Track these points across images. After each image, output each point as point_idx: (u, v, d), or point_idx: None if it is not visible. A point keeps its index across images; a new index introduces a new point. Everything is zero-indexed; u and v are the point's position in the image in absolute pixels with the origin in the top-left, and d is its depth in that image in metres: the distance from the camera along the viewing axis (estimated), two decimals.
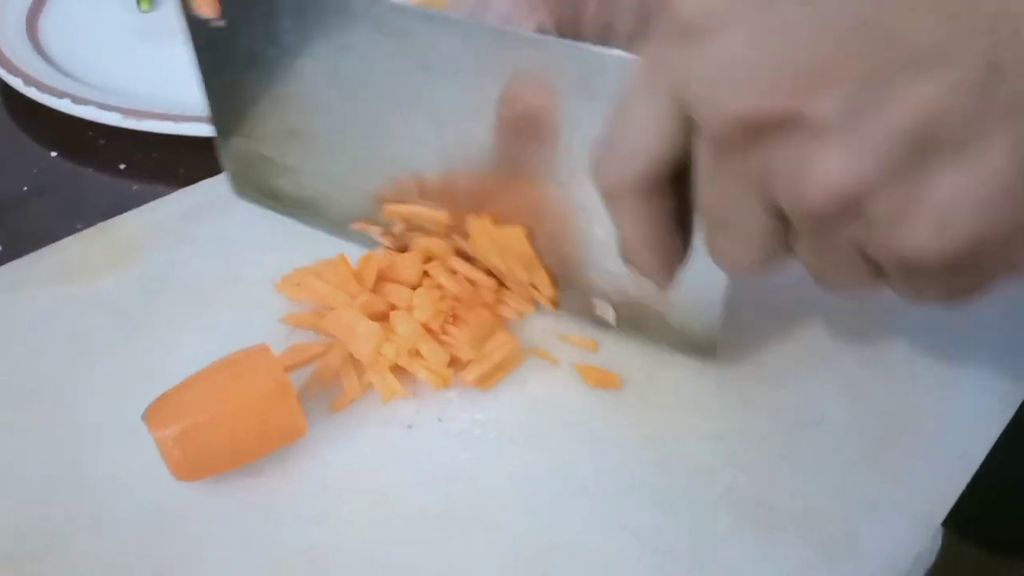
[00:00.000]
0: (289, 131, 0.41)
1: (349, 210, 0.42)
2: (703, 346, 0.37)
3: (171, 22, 0.60)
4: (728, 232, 0.27)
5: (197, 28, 0.40)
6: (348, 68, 0.38)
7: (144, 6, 0.63)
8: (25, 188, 0.48)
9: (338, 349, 0.36)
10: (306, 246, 0.42)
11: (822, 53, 0.23)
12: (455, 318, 0.37)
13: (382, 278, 0.38)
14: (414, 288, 0.38)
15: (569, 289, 0.38)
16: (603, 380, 0.36)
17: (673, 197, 0.29)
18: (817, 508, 0.32)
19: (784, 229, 0.27)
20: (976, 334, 0.39)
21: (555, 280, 0.38)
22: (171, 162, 0.50)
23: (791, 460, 0.34)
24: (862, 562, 0.30)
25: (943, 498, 0.33)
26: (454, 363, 0.36)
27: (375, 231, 0.41)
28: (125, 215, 0.44)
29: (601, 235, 0.35)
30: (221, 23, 0.40)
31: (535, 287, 0.38)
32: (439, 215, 0.39)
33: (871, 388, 0.37)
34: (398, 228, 0.41)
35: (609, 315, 0.38)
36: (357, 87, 0.38)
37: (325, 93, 0.39)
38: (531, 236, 0.37)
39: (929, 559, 0.80)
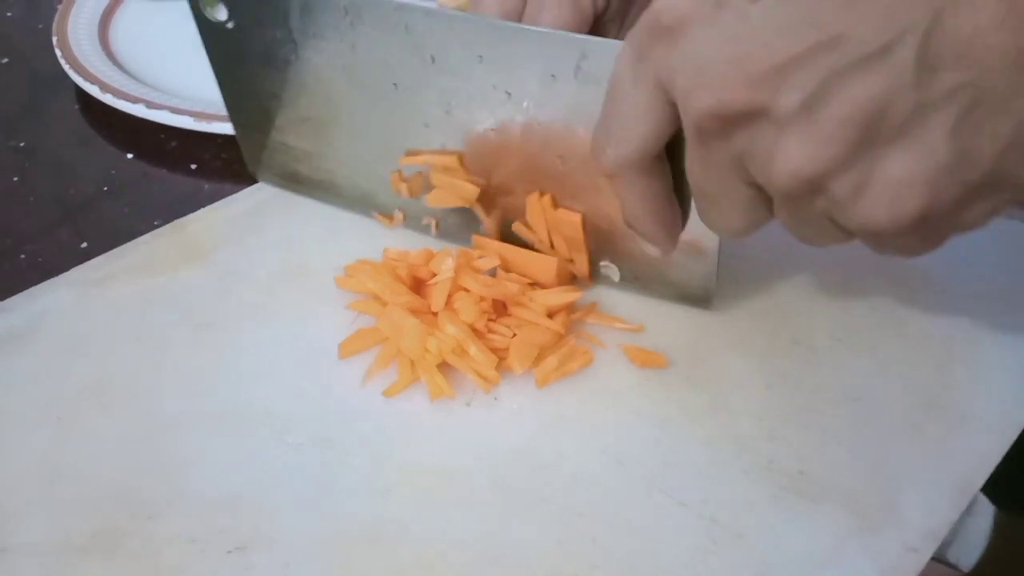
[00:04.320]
0: (303, 119, 0.44)
1: (366, 189, 0.45)
2: (701, 297, 0.40)
3: None
4: (716, 204, 0.31)
5: (208, 29, 0.44)
6: (356, 61, 0.41)
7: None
8: (105, 188, 0.51)
9: (392, 342, 0.38)
10: (367, 239, 0.44)
11: (780, 52, 0.26)
12: (499, 314, 0.39)
13: (420, 280, 0.40)
14: (450, 294, 0.39)
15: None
16: (649, 360, 0.38)
17: (668, 169, 0.33)
18: (856, 479, 0.34)
19: (765, 199, 0.30)
20: (1013, 310, 0.40)
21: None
22: (238, 162, 0.52)
23: (831, 434, 0.35)
24: (901, 530, 0.32)
25: (980, 468, 0.34)
26: (499, 352, 0.38)
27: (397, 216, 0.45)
28: (198, 212, 0.47)
29: (603, 202, 0.39)
30: (230, 24, 0.43)
31: (572, 263, 0.41)
32: (448, 160, 0.41)
33: (909, 364, 0.38)
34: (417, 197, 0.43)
35: (614, 274, 0.41)
36: (366, 77, 0.41)
37: (336, 83, 0.42)
38: (584, 221, 0.40)
39: (982, 540, 0.80)
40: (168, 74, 0.59)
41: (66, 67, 0.57)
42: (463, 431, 0.36)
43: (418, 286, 0.40)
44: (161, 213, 0.48)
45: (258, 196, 0.48)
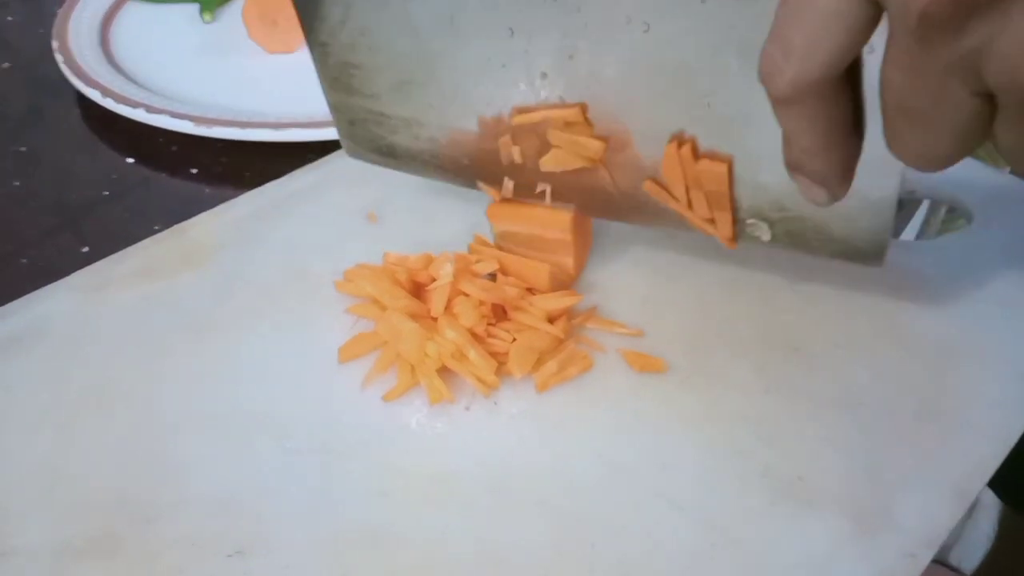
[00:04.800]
0: (402, 83, 0.40)
1: (471, 158, 0.41)
2: (871, 253, 0.36)
3: (231, 34, 0.64)
4: (925, 124, 0.25)
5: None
6: (466, 6, 0.37)
7: (206, 17, 0.66)
8: (105, 193, 0.52)
9: (391, 346, 0.38)
10: (367, 243, 0.44)
11: None
12: (498, 318, 0.39)
13: (419, 284, 0.40)
14: (449, 300, 0.39)
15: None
16: (648, 365, 0.38)
17: (850, 91, 0.27)
18: (853, 484, 0.34)
19: (991, 114, 0.24)
20: (1011, 316, 0.40)
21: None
22: (239, 166, 0.53)
23: (827, 440, 0.35)
24: (898, 535, 0.32)
25: (978, 474, 0.34)
26: (498, 356, 0.38)
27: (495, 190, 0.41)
28: (198, 217, 0.47)
29: (754, 147, 0.34)
30: None
31: (713, 223, 0.37)
32: (570, 114, 0.37)
33: (907, 370, 0.38)
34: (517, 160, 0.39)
35: (764, 232, 0.37)
36: (475, 25, 0.37)
37: (440, 37, 0.38)
38: (730, 173, 0.35)
39: (985, 542, 0.80)
40: (168, 78, 0.59)
41: (67, 72, 0.57)
42: (462, 435, 0.36)
43: (417, 290, 0.40)
44: (162, 218, 0.48)
45: (258, 201, 0.48)
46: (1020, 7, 0.22)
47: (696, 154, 0.35)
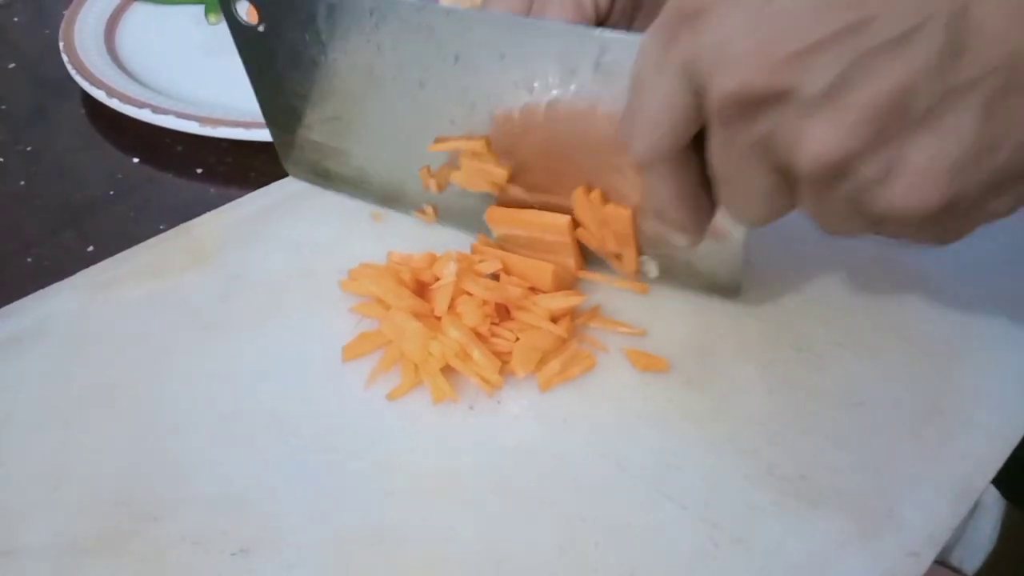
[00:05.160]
0: (332, 118, 0.46)
1: (396, 185, 0.46)
2: (729, 287, 0.41)
3: None
4: (739, 191, 0.31)
5: (240, 32, 0.45)
6: (381, 62, 0.42)
7: (212, 19, 0.66)
8: (111, 192, 0.52)
9: (395, 345, 0.38)
10: (372, 242, 0.44)
11: (804, 35, 0.26)
12: (501, 317, 0.39)
13: (423, 284, 0.41)
14: (453, 298, 0.39)
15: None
16: (651, 364, 0.38)
17: (696, 159, 0.32)
18: (857, 484, 0.34)
19: (789, 186, 0.30)
20: (1014, 315, 0.40)
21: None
22: (243, 166, 0.53)
23: (832, 440, 0.35)
24: (901, 535, 0.32)
25: (981, 473, 0.34)
26: (502, 356, 0.38)
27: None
28: (203, 216, 0.47)
29: (636, 198, 0.39)
30: (261, 28, 0.44)
31: (619, 259, 0.41)
32: (476, 145, 0.41)
33: (910, 369, 0.38)
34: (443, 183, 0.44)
35: (653, 269, 0.41)
36: (392, 77, 0.42)
37: (362, 83, 0.43)
38: (633, 217, 0.40)
39: (987, 543, 0.80)
40: (174, 79, 0.59)
41: (72, 72, 0.57)
42: (466, 434, 0.36)
43: (421, 290, 0.40)
44: (166, 217, 0.48)
45: (263, 200, 0.48)
46: (794, 107, 0.27)
47: (604, 199, 0.40)
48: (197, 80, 0.59)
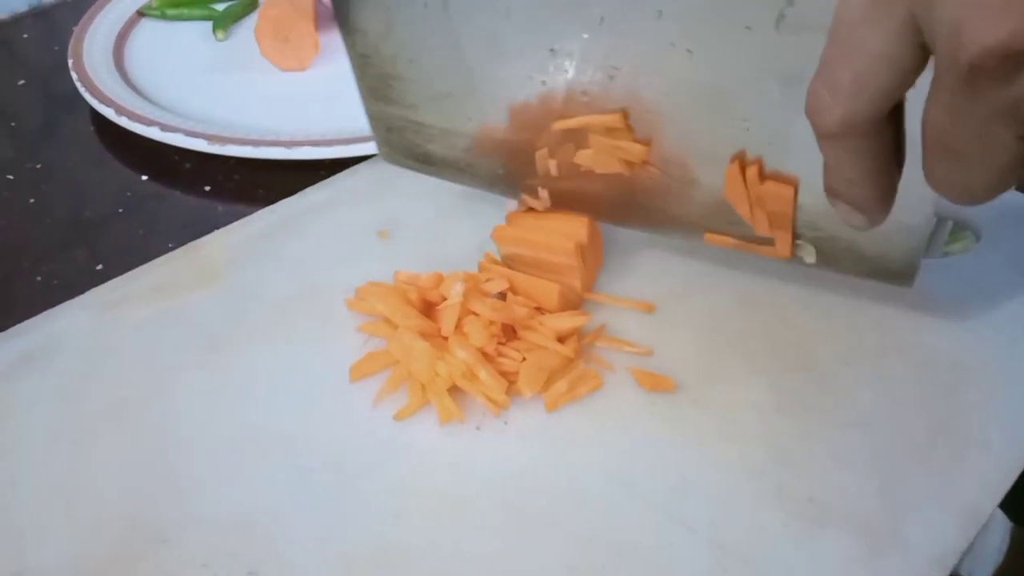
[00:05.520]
0: (441, 95, 0.41)
1: (507, 168, 0.42)
2: (902, 274, 0.36)
3: (244, 51, 0.64)
4: (967, 163, 0.26)
5: (342, 7, 0.41)
6: (509, 27, 0.37)
7: (219, 35, 0.67)
8: (120, 210, 0.52)
9: (403, 365, 0.38)
10: (379, 260, 0.45)
11: None
12: (508, 337, 0.39)
13: (430, 303, 0.41)
14: (460, 318, 0.39)
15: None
16: (658, 384, 0.38)
17: (893, 127, 0.28)
18: (864, 505, 0.34)
19: None
20: (1021, 335, 0.40)
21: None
22: (252, 183, 0.53)
23: (839, 460, 0.35)
24: (908, 555, 0.32)
25: (989, 494, 0.34)
26: (508, 376, 0.38)
27: (534, 190, 0.42)
28: (212, 235, 0.47)
29: (791, 170, 0.35)
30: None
31: (767, 242, 0.38)
32: (611, 120, 0.37)
33: (917, 390, 0.38)
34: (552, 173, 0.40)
35: (809, 254, 0.37)
36: (518, 44, 0.37)
37: (481, 53, 0.39)
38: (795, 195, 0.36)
39: (996, 555, 0.80)
40: (181, 96, 0.59)
41: (82, 89, 0.58)
42: (473, 455, 0.36)
43: (428, 309, 0.40)
44: (175, 235, 0.49)
45: (270, 218, 0.48)
46: None
47: (762, 175, 0.36)
48: (205, 97, 0.59)
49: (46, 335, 0.42)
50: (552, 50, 0.37)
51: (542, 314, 0.40)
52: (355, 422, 0.37)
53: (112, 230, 0.51)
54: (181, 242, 0.47)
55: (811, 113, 0.27)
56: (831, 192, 0.30)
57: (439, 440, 0.37)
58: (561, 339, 0.39)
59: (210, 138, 0.53)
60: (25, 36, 0.72)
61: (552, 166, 0.40)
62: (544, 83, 0.38)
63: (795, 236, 0.37)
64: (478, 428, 0.37)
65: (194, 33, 0.68)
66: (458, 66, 0.39)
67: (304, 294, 0.44)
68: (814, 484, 0.35)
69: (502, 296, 0.41)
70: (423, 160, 0.44)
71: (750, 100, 0.34)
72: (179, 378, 0.40)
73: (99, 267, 0.48)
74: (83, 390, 0.39)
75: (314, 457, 0.36)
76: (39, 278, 0.48)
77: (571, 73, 0.37)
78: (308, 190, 0.50)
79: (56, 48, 0.68)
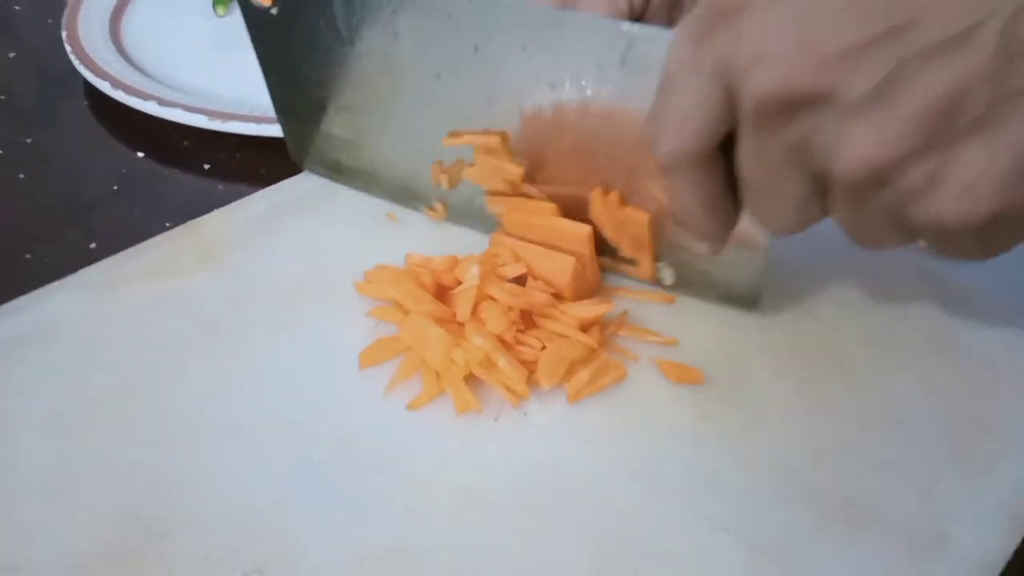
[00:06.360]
0: (345, 108, 0.44)
1: (407, 180, 0.44)
2: (747, 299, 0.39)
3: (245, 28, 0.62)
4: (769, 197, 0.29)
5: (253, 16, 0.43)
6: (399, 50, 0.40)
7: (220, 10, 0.64)
8: (115, 188, 0.50)
9: (415, 352, 0.36)
10: (387, 242, 0.43)
11: (849, 35, 0.25)
12: (527, 325, 0.37)
13: (444, 288, 0.39)
14: (476, 303, 0.37)
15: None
16: (684, 376, 0.36)
17: (723, 163, 0.30)
18: (906, 507, 0.32)
19: (822, 193, 0.28)
20: None
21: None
22: (253, 162, 0.51)
23: (875, 459, 0.34)
24: (954, 562, 0.30)
25: None
26: (527, 366, 0.36)
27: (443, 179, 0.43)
28: (213, 214, 0.45)
29: (656, 202, 0.37)
30: (274, 11, 0.42)
31: (632, 265, 0.40)
32: (492, 140, 0.40)
33: (953, 389, 0.36)
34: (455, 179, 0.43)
35: (669, 276, 0.40)
36: (408, 66, 0.40)
37: (378, 72, 0.41)
38: (652, 222, 0.38)
39: None
40: (180, 72, 0.57)
41: (76, 63, 0.55)
42: (491, 448, 0.34)
43: (442, 294, 0.38)
44: (173, 215, 0.46)
45: (274, 198, 0.46)
46: (836, 110, 0.26)
47: (622, 201, 0.38)
48: (205, 74, 0.57)
49: (38, 316, 0.39)
50: (437, 75, 0.40)
51: (562, 302, 0.38)
52: (366, 411, 0.35)
53: (106, 209, 0.49)
54: (179, 223, 0.45)
55: (650, 146, 0.31)
56: (675, 220, 0.33)
57: (455, 432, 0.35)
58: (583, 328, 0.37)
59: (211, 114, 0.50)
60: (17, 8, 0.70)
61: (444, 180, 0.43)
62: (434, 102, 0.41)
63: (656, 259, 0.40)
64: (496, 420, 0.35)
65: (193, 8, 0.65)
66: (358, 83, 0.42)
67: (310, 277, 0.42)
68: (851, 484, 0.33)
69: (519, 281, 0.39)
70: (335, 169, 0.47)
71: (614, 133, 0.37)
72: (180, 364, 0.37)
73: (92, 246, 0.46)
74: (78, 374, 0.37)
75: (323, 448, 0.34)
76: (29, 256, 0.45)
77: (456, 95, 0.40)
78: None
79: (49, 21, 0.66)
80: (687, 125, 0.29)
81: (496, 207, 0.42)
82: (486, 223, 0.42)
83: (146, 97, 0.52)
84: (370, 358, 0.37)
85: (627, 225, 0.39)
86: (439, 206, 0.44)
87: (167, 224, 0.45)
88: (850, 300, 0.40)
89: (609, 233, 0.39)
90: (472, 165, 0.41)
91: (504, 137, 0.40)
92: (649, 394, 0.36)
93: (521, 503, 0.32)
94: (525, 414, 0.35)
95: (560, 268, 0.38)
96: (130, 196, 0.50)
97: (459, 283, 0.38)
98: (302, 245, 0.43)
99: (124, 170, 0.51)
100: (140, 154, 0.52)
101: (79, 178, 0.51)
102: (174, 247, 0.43)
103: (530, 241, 0.40)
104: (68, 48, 0.56)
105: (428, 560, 0.30)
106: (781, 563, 0.30)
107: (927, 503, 0.32)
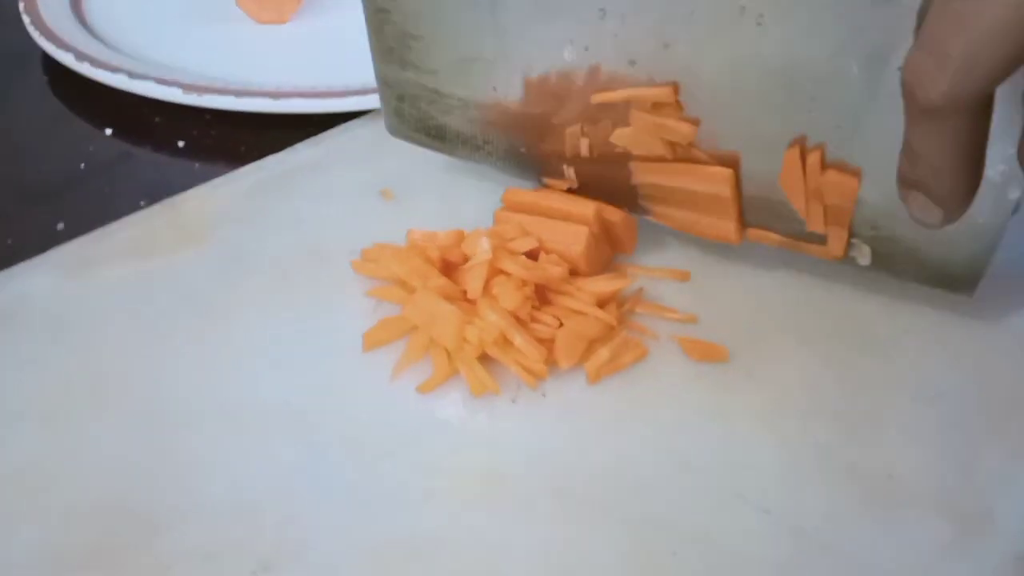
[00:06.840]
0: (469, 59, 0.37)
1: (520, 143, 0.38)
2: (965, 281, 0.34)
3: (218, 1, 0.59)
4: None
5: None
6: None
7: None
8: (81, 166, 0.47)
9: (423, 331, 0.34)
10: (382, 220, 0.40)
11: None
12: (541, 302, 0.35)
13: (450, 264, 0.36)
14: (487, 278, 0.35)
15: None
16: (707, 353, 0.35)
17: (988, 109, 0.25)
18: (948, 484, 0.31)
19: None
20: None
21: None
22: (232, 140, 0.48)
23: (912, 435, 0.32)
24: (1004, 537, 0.29)
25: None
26: (543, 344, 0.34)
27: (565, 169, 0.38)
28: (193, 190, 0.42)
29: (857, 160, 0.32)
30: None
31: (815, 239, 0.35)
32: (661, 93, 0.33)
33: (985, 362, 0.35)
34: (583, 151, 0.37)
35: (864, 255, 0.35)
36: (562, 5, 0.34)
37: (519, 11, 0.35)
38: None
39: None
40: (148, 46, 0.54)
41: (35, 34, 0.52)
42: (510, 431, 0.32)
43: (448, 270, 0.36)
44: (147, 194, 0.43)
45: (258, 175, 0.44)
46: None
47: (824, 164, 0.32)
48: (175, 48, 0.54)
49: (6, 297, 0.36)
50: (602, 10, 0.33)
51: (577, 278, 0.36)
52: (372, 396, 0.33)
53: (73, 188, 0.46)
54: (154, 201, 0.42)
55: (910, 87, 0.25)
56: (909, 183, 0.27)
57: (470, 415, 0.32)
58: (601, 304, 0.35)
59: (185, 87, 0.47)
60: None
61: (584, 145, 0.36)
62: (587, 48, 0.34)
63: (851, 235, 0.34)
64: (513, 401, 0.33)
65: None
66: (491, 26, 0.36)
67: (302, 257, 0.39)
68: (890, 461, 0.31)
69: (531, 256, 0.37)
70: (435, 135, 0.41)
71: (821, 79, 0.31)
72: (165, 347, 0.35)
73: (60, 226, 0.42)
74: (52, 358, 0.34)
75: (328, 434, 0.32)
76: None
77: (620, 38, 0.33)
78: (299, 146, 0.45)
79: None
80: (984, 57, 0.23)
81: (645, 176, 0.36)
82: (618, 196, 0.37)
83: (114, 70, 0.48)
84: (374, 339, 0.35)
85: (826, 192, 0.33)
86: (570, 172, 0.37)
87: (142, 203, 0.42)
88: (865, 274, 0.39)
89: (799, 202, 0.34)
90: (625, 126, 0.35)
91: (675, 88, 0.33)
92: (671, 373, 0.34)
93: (545, 488, 0.30)
94: (544, 395, 0.33)
95: (573, 238, 0.36)
96: (99, 175, 0.46)
97: (466, 259, 0.36)
98: (292, 222, 0.41)
99: (91, 148, 0.48)
100: (107, 131, 0.49)
101: (41, 157, 0.48)
102: (153, 225, 0.40)
103: (659, 184, 0.36)
104: (26, 19, 0.53)
105: (447, 549, 0.28)
106: (823, 545, 0.29)
107: (969, 479, 0.31)
